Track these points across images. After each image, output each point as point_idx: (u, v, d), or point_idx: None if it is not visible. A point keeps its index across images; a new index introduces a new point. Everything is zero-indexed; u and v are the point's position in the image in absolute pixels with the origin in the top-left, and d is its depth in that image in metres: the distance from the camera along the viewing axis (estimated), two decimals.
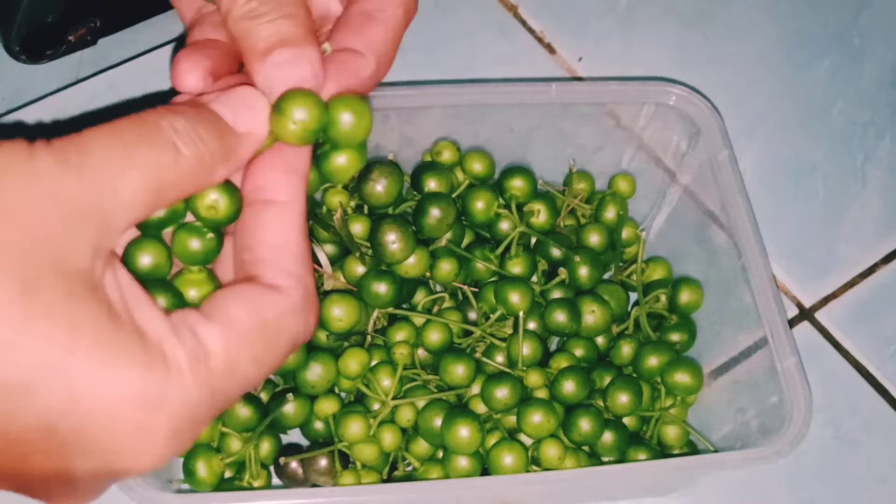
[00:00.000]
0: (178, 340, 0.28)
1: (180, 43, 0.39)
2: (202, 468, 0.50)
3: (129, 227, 0.29)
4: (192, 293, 0.32)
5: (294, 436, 0.55)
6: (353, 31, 0.36)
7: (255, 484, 0.52)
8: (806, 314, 0.63)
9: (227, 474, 0.52)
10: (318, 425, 0.54)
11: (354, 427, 0.52)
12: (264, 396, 0.54)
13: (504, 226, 0.57)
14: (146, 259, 0.31)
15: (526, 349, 0.53)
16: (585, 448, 0.53)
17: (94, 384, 0.26)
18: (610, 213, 0.59)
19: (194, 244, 0.32)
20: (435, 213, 0.55)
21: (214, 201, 0.32)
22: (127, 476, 0.28)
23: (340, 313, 0.53)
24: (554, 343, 0.58)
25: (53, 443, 0.27)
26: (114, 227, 0.28)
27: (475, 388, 0.54)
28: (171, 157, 0.29)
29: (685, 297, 0.57)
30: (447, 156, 0.58)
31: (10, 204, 0.26)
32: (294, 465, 0.53)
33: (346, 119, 0.34)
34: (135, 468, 0.28)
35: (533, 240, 0.58)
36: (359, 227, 0.56)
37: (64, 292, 0.26)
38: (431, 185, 0.57)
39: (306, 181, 0.33)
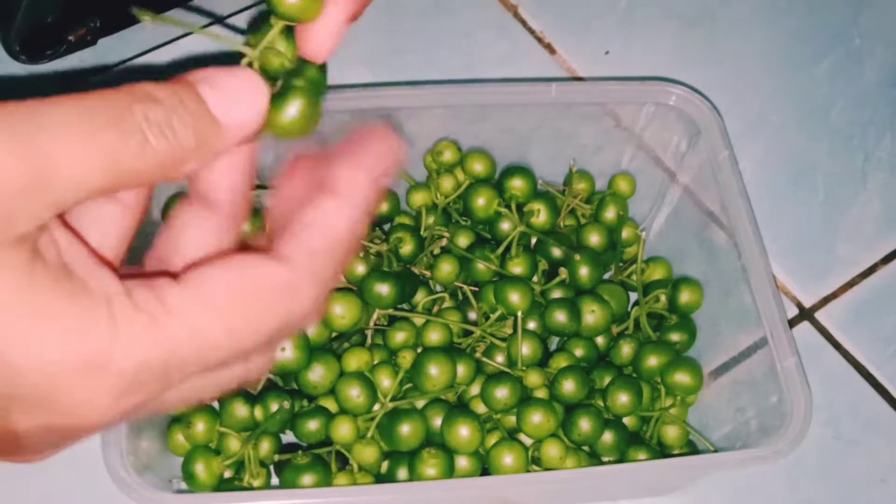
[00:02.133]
0: (131, 299, 0.26)
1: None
2: (201, 470, 0.51)
3: (79, 204, 0.27)
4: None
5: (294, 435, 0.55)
6: None
7: (255, 483, 0.52)
8: (806, 314, 0.63)
9: (227, 474, 0.52)
10: (312, 426, 0.53)
11: (344, 429, 0.52)
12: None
13: (504, 226, 0.57)
14: None
15: (526, 349, 0.53)
16: (585, 448, 0.53)
17: (26, 351, 0.25)
18: (610, 213, 0.59)
19: None
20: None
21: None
22: (79, 435, 0.28)
23: (342, 311, 0.53)
24: (554, 343, 0.58)
25: None
26: (58, 203, 0.26)
27: (475, 388, 0.54)
28: (136, 147, 0.26)
29: (685, 297, 0.57)
30: (448, 156, 0.58)
31: None
32: None
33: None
34: (82, 429, 0.27)
35: (533, 240, 0.58)
36: None
37: None
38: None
39: (376, 193, 0.31)
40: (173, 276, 0.28)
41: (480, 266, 0.56)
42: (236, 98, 0.29)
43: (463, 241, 0.58)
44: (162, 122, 0.27)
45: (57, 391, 0.26)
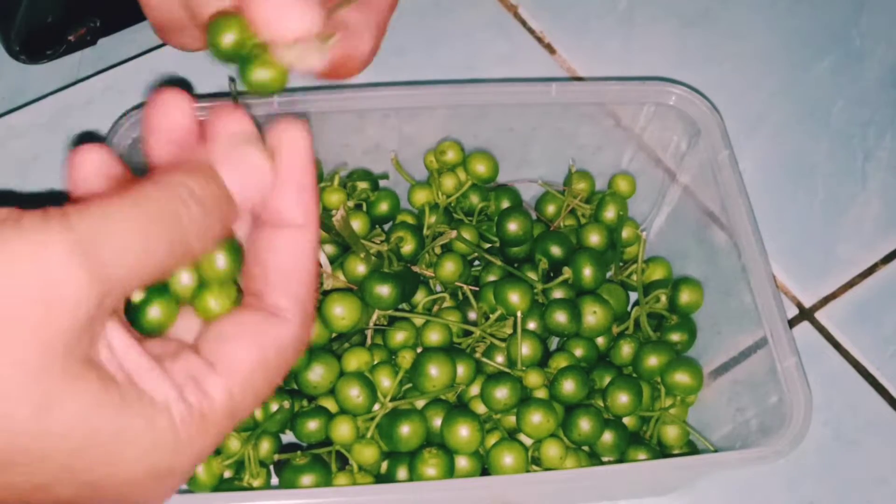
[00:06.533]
0: (185, 402, 0.29)
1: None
2: (201, 470, 0.51)
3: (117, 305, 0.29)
4: (212, 304, 0.32)
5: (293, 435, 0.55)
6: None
7: (255, 483, 0.52)
8: (806, 314, 0.63)
9: (227, 474, 0.52)
10: (312, 426, 0.53)
11: (343, 429, 0.52)
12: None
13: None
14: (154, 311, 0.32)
15: (525, 349, 0.53)
16: (585, 448, 0.53)
17: (108, 472, 0.28)
18: (610, 213, 0.59)
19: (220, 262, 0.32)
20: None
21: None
22: None
23: (342, 312, 0.53)
24: (554, 343, 0.58)
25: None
26: (107, 307, 0.28)
27: (475, 389, 0.54)
28: (181, 254, 0.29)
29: (685, 297, 0.57)
30: (451, 156, 0.58)
31: (22, 285, 0.26)
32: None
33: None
34: None
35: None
36: (357, 224, 0.56)
37: (72, 377, 0.27)
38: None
39: (317, 200, 0.33)
40: (194, 348, 0.31)
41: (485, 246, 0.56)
42: (250, 180, 0.32)
43: (466, 235, 0.58)
44: (203, 221, 0.30)
45: (132, 498, 0.30)
